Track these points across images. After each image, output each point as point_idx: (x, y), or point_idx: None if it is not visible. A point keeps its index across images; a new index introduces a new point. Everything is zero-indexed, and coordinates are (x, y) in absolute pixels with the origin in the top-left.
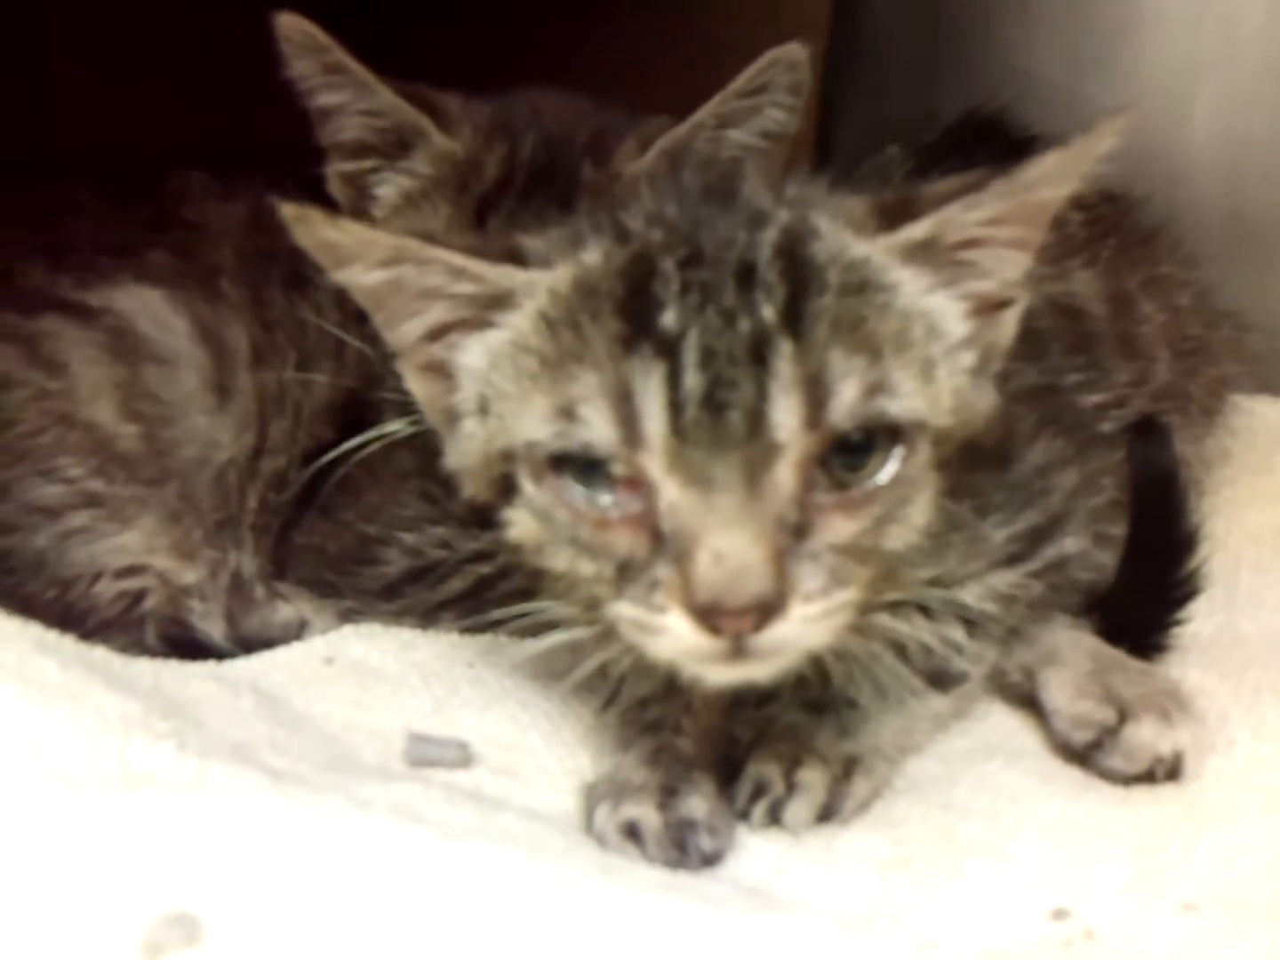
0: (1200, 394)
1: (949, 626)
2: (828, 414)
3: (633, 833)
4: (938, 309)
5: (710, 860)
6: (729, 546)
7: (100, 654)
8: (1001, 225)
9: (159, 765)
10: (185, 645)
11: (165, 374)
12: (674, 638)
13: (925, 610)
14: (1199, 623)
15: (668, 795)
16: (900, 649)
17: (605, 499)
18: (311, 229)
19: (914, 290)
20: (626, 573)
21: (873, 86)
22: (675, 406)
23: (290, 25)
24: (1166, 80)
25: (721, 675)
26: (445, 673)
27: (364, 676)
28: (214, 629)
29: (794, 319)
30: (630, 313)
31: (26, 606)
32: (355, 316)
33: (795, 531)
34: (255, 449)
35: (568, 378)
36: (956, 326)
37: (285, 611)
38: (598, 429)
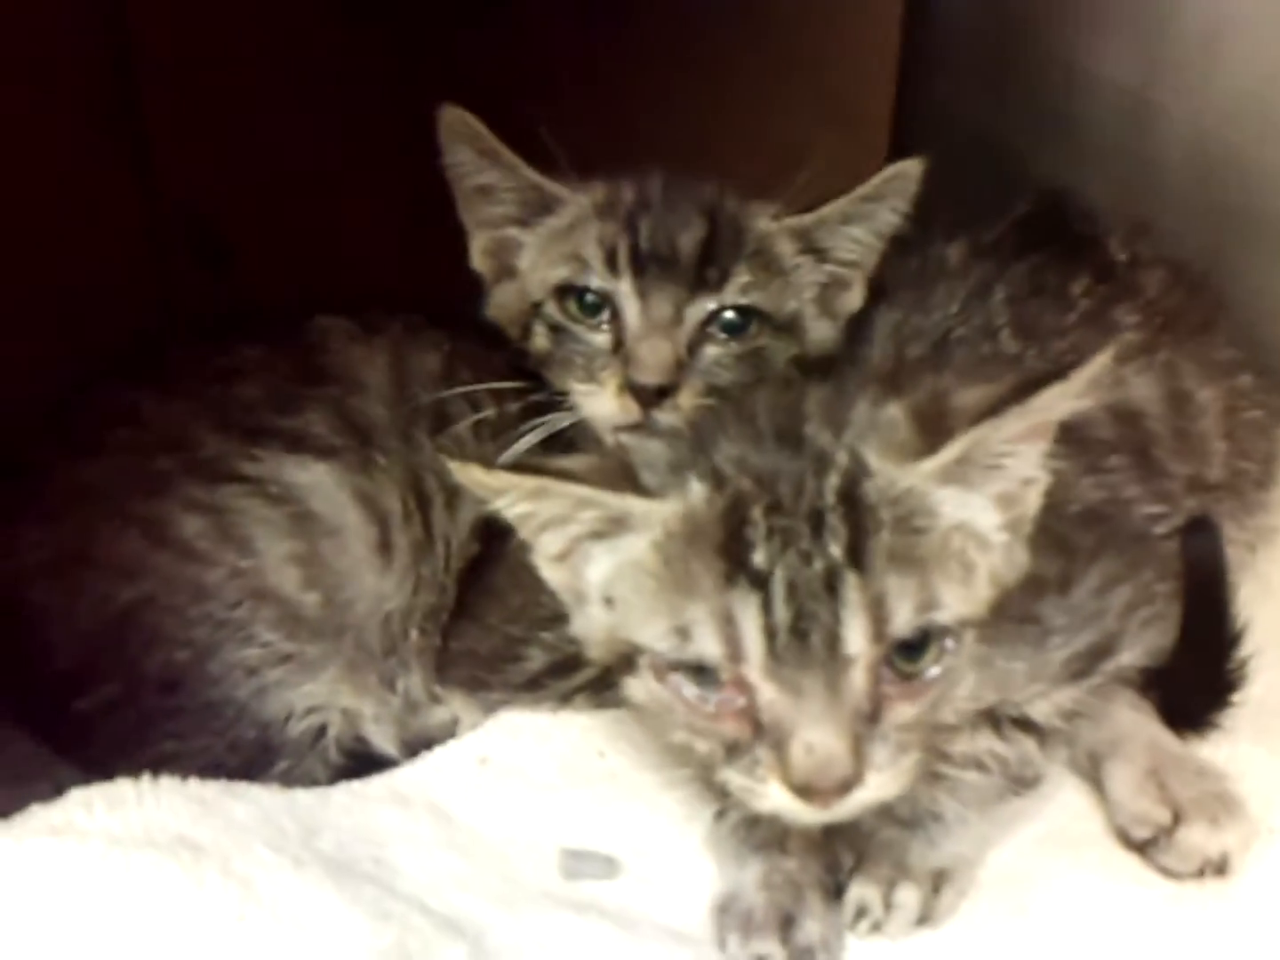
0: (1255, 468)
1: (1021, 741)
2: (889, 630)
3: None
4: (972, 515)
5: None
6: (817, 740)
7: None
8: (1022, 440)
9: None
10: (362, 759)
11: (337, 544)
12: (774, 802)
13: (997, 726)
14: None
15: (786, 925)
16: (979, 765)
17: (714, 697)
18: (470, 475)
19: (952, 507)
20: (734, 751)
21: (944, 86)
22: (769, 632)
23: (453, 115)
24: (1251, 90)
25: (811, 819)
26: (580, 767)
27: (512, 779)
28: (388, 743)
29: (857, 555)
30: (728, 552)
31: (231, 748)
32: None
33: (868, 719)
34: (412, 591)
35: (680, 606)
36: (988, 520)
37: (441, 713)
38: (708, 647)
